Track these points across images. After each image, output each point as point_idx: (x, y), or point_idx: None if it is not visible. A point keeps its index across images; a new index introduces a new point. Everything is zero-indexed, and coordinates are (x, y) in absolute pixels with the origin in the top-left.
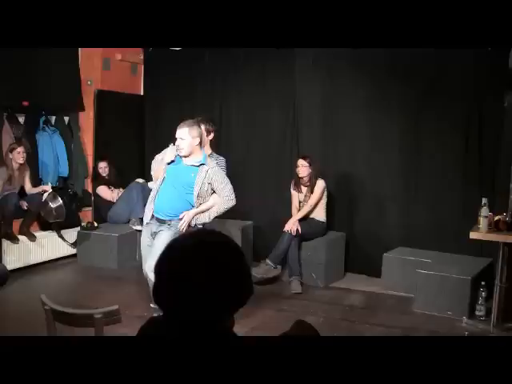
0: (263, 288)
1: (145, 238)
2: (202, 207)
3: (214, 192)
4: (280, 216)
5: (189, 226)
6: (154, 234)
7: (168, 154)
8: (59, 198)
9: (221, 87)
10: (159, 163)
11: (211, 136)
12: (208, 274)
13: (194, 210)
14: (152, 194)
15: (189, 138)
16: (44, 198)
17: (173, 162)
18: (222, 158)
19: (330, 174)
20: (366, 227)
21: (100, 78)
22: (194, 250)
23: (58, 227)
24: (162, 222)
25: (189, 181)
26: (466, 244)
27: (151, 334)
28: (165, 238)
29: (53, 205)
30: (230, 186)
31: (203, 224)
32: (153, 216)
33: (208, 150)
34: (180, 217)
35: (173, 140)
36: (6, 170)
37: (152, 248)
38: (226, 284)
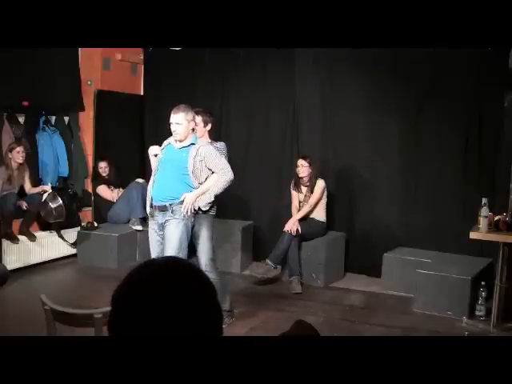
0: (263, 288)
1: (153, 234)
2: (202, 188)
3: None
4: (280, 216)
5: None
6: (161, 227)
7: (151, 151)
8: (59, 198)
9: (221, 87)
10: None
11: (209, 126)
12: (180, 303)
13: (195, 192)
14: (150, 182)
15: (185, 122)
16: (44, 199)
17: (157, 155)
18: (221, 142)
19: (330, 174)
20: (366, 227)
21: (100, 78)
22: (165, 277)
23: (58, 227)
24: (163, 209)
25: (182, 162)
26: (466, 244)
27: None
28: (174, 227)
29: (53, 205)
30: (224, 160)
31: (206, 204)
32: (155, 207)
33: (207, 139)
34: (181, 199)
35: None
36: (6, 169)
37: (165, 242)
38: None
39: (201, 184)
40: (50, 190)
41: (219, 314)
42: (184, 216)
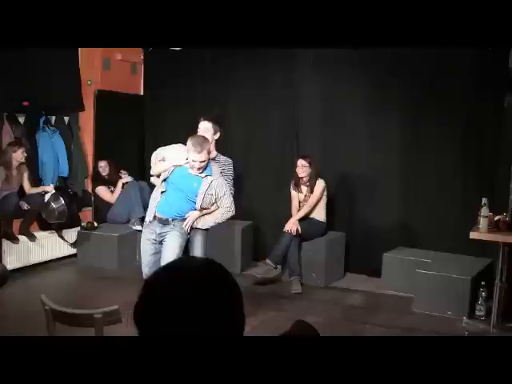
0: (263, 288)
1: (146, 244)
2: (205, 211)
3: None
4: (280, 216)
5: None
6: (158, 236)
7: (177, 156)
8: (61, 199)
9: (221, 87)
10: (160, 160)
11: (217, 135)
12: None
13: (198, 213)
14: (156, 193)
15: (207, 157)
16: (46, 199)
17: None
18: (229, 160)
19: (330, 174)
20: (366, 227)
21: (100, 78)
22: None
23: (58, 227)
24: (165, 222)
25: (191, 189)
26: (466, 244)
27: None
28: (174, 239)
29: (55, 205)
30: (231, 199)
31: (199, 228)
32: (155, 217)
33: (213, 151)
34: (185, 216)
35: (174, 139)
36: (5, 169)
37: (163, 251)
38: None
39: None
40: (53, 191)
41: (243, 321)
42: (185, 231)
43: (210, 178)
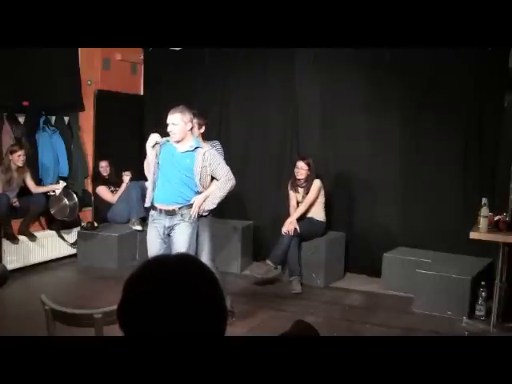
0: (263, 288)
1: (155, 237)
2: (207, 193)
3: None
4: (280, 216)
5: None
6: (167, 230)
7: (150, 138)
8: (75, 196)
9: (221, 87)
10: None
11: (203, 129)
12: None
13: (202, 195)
14: (149, 183)
15: (181, 123)
16: (58, 193)
17: (157, 143)
18: (215, 141)
19: (330, 174)
20: (366, 227)
21: (100, 78)
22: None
23: (58, 227)
24: (172, 213)
25: (186, 167)
26: (466, 244)
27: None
28: (184, 230)
29: (68, 201)
30: (227, 167)
31: (210, 210)
32: (160, 211)
33: (201, 141)
34: (191, 202)
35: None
36: (6, 171)
37: (174, 245)
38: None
39: (205, 188)
40: (64, 184)
41: (225, 313)
42: (193, 219)
43: (201, 150)
